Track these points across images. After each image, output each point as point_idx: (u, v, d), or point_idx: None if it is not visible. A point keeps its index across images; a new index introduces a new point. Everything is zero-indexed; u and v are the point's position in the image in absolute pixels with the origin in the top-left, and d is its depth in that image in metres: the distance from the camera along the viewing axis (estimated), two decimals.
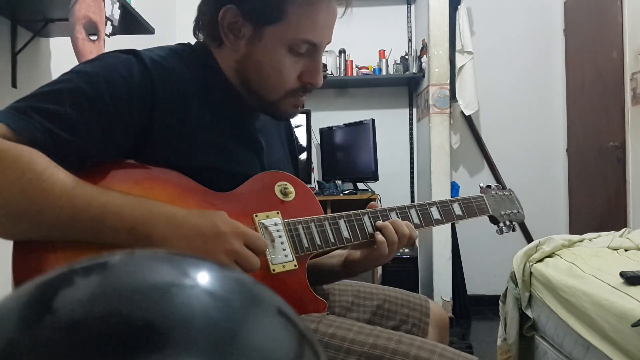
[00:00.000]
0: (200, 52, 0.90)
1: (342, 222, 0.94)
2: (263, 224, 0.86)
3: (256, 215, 0.87)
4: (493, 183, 4.08)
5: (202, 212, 0.76)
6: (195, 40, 0.94)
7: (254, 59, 0.86)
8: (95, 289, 0.28)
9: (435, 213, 1.04)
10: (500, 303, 2.07)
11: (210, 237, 0.73)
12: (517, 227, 1.18)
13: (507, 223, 1.17)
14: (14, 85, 1.63)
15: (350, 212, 0.96)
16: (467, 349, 2.73)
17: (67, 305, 0.27)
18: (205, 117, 0.86)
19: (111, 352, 0.24)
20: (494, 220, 1.16)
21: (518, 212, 1.20)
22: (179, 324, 0.26)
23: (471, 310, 3.45)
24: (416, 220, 1.01)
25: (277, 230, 0.87)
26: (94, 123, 0.74)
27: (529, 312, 1.92)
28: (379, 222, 0.97)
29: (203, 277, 0.30)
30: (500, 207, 1.16)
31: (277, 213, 0.89)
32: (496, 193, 1.19)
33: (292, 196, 0.92)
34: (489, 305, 3.40)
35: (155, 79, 0.80)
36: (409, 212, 1.01)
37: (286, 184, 0.93)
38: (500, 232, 1.17)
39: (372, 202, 1.00)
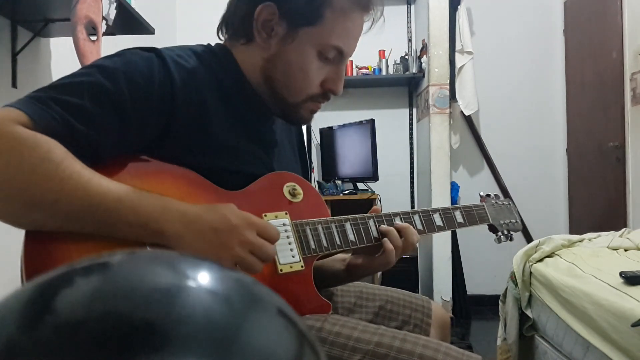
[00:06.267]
0: (220, 53, 0.91)
1: (348, 225, 0.95)
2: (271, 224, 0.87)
3: (265, 215, 0.87)
4: (493, 183, 4.04)
5: (212, 206, 0.76)
6: (218, 39, 0.94)
7: (283, 58, 0.87)
8: (96, 289, 0.28)
9: (437, 220, 1.05)
10: (500, 303, 2.07)
11: (224, 230, 0.73)
12: (514, 236, 1.20)
13: (506, 232, 1.18)
14: (14, 85, 1.62)
15: (357, 215, 0.97)
16: (467, 348, 2.72)
17: (67, 305, 0.27)
18: (223, 119, 0.86)
19: (111, 352, 0.24)
20: (493, 229, 1.17)
21: (516, 221, 1.21)
22: (179, 324, 0.26)
23: (471, 310, 3.45)
24: (419, 226, 1.02)
25: (285, 231, 0.88)
26: (111, 118, 0.74)
27: (528, 312, 1.92)
28: (383, 227, 0.97)
29: (203, 277, 0.30)
30: (500, 216, 1.18)
31: (286, 214, 0.90)
32: (495, 202, 1.20)
33: (300, 197, 0.93)
34: (489, 305, 3.40)
35: (176, 81, 0.80)
36: (413, 218, 1.02)
37: (294, 185, 0.93)
38: (499, 241, 1.19)
39: (375, 207, 1.02)
